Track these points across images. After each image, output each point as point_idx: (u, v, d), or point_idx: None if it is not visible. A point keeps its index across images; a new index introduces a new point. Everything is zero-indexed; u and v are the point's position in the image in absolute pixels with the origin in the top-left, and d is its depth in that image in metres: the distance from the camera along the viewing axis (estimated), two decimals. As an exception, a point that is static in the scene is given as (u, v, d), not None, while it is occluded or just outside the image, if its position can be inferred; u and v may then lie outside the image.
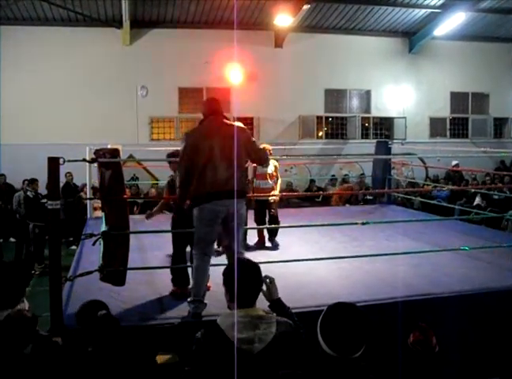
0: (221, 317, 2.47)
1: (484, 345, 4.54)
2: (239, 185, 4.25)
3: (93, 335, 3.05)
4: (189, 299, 4.34)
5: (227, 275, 2.59)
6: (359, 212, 9.46)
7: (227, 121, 4.47)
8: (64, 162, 4.19)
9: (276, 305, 2.77)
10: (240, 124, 4.60)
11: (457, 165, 13.65)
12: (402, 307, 4.33)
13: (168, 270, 5.16)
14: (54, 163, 4.17)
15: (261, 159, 4.77)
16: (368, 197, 12.99)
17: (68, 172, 11.77)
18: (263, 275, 2.70)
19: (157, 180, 13.97)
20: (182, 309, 4.41)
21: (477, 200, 11.99)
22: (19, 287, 3.37)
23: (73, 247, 9.52)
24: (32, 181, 10.40)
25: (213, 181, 4.21)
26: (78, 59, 14.02)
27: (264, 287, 2.76)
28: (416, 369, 3.20)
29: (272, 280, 2.83)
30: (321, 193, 13.91)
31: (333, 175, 15.49)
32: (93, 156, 4.62)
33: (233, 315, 2.40)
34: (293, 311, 2.83)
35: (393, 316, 4.19)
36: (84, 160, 4.91)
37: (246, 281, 2.51)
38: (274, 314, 2.56)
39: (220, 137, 4.27)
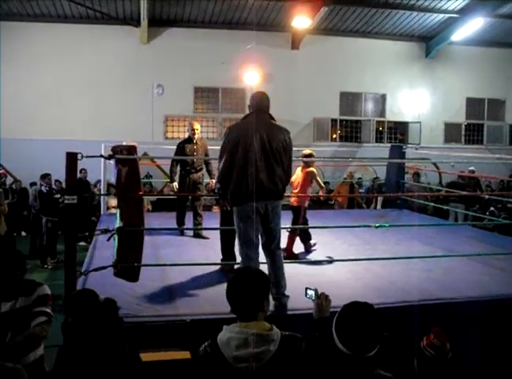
0: (222, 332, 2.35)
1: (497, 352, 4.51)
2: (278, 186, 4.26)
3: (96, 325, 2.77)
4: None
5: (228, 285, 2.42)
6: (371, 216, 9.44)
7: (274, 122, 4.43)
8: (82, 157, 4.24)
9: (324, 323, 2.48)
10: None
11: (472, 171, 13.53)
12: (414, 311, 4.30)
13: (181, 267, 5.22)
14: (71, 159, 4.23)
15: (286, 175, 4.46)
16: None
17: (83, 169, 11.83)
18: (319, 290, 2.66)
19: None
20: (195, 307, 4.43)
21: (492, 207, 11.89)
22: (11, 275, 3.18)
23: (82, 243, 9.51)
24: (45, 176, 10.48)
25: (252, 180, 4.15)
26: (95, 56, 14.18)
27: (314, 303, 2.67)
28: (427, 374, 3.19)
29: (325, 297, 2.73)
30: (323, 195, 13.75)
31: (345, 178, 15.41)
32: (110, 153, 4.64)
33: (231, 331, 2.31)
34: (303, 312, 2.80)
35: (404, 319, 4.17)
36: (102, 156, 4.94)
37: (246, 293, 2.32)
38: (276, 330, 2.33)
39: (263, 136, 4.21)
